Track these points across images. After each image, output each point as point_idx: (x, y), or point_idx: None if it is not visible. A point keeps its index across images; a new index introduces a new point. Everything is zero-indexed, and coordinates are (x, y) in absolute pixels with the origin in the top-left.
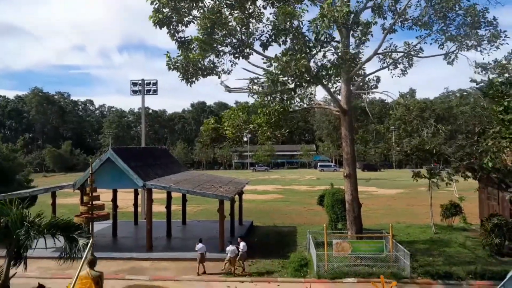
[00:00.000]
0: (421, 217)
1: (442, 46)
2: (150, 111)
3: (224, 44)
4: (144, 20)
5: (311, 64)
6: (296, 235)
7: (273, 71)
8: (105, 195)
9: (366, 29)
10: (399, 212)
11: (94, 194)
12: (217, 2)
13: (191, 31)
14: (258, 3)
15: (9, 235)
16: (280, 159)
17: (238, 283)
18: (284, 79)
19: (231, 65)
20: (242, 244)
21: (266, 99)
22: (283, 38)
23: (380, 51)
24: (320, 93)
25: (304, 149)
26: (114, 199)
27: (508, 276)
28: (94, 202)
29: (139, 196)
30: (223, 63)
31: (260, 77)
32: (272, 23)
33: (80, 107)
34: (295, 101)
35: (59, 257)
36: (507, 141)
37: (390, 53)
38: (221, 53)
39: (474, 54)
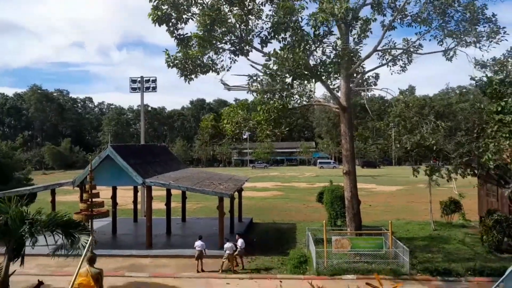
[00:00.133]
0: (421, 214)
1: (441, 43)
2: (149, 108)
3: (224, 41)
4: (143, 18)
5: (310, 61)
6: (296, 232)
7: (271, 65)
8: (104, 193)
9: (366, 25)
10: (399, 209)
11: (93, 191)
12: None
13: (190, 27)
14: (257, 0)
15: (8, 233)
16: (279, 156)
17: (237, 280)
18: (281, 73)
19: (230, 62)
20: (240, 241)
21: (265, 96)
22: (282, 34)
23: (379, 48)
24: (319, 90)
25: (303, 146)
26: (114, 197)
27: (507, 272)
28: (93, 200)
29: (139, 194)
30: (222, 60)
31: (259, 74)
32: (271, 19)
33: (79, 104)
34: (295, 98)
35: (53, 253)
36: (506, 140)
37: (389, 50)
38: (220, 50)
39: (473, 50)
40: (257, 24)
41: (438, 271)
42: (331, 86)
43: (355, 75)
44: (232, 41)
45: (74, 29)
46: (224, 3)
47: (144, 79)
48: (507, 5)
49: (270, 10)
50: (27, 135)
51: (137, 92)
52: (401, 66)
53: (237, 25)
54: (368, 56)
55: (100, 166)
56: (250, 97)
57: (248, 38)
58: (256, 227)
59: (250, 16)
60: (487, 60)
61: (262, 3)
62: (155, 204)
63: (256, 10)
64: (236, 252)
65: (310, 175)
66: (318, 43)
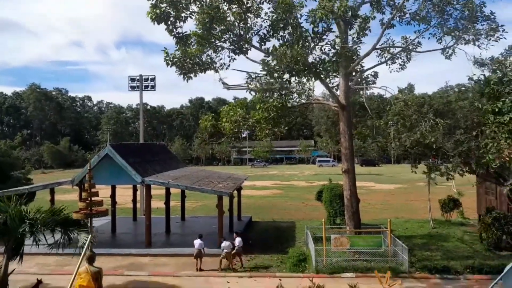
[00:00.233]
0: (420, 212)
1: (440, 41)
2: (148, 107)
3: (222, 40)
4: (141, 16)
5: (309, 59)
6: (295, 230)
7: (270, 61)
8: (103, 191)
9: (365, 24)
10: (398, 207)
11: (92, 190)
12: None
13: (189, 25)
14: None
15: (8, 232)
16: (278, 154)
17: (237, 278)
18: (280, 68)
19: (229, 60)
20: (237, 240)
21: (264, 95)
22: (281, 32)
23: (378, 46)
24: (318, 89)
25: (302, 145)
26: (113, 195)
27: (505, 270)
28: (92, 198)
29: (138, 192)
30: (221, 58)
31: (258, 73)
32: (270, 17)
33: (78, 103)
34: (293, 96)
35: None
36: (505, 140)
37: (388, 48)
38: (219, 48)
39: (472, 49)
40: (256, 22)
41: (437, 269)
42: (330, 85)
43: (354, 73)
44: (231, 40)
45: (73, 28)
46: (222, 1)
47: (143, 77)
48: (506, 3)
49: (269, 8)
50: (26, 134)
51: (136, 90)
52: (400, 64)
53: (236, 23)
54: (367, 54)
55: (99, 165)
56: (249, 96)
57: (247, 36)
58: (255, 226)
59: (249, 14)
60: (485, 58)
61: (261, 1)
62: (154, 203)
63: (255, 8)
64: (234, 251)
65: (309, 174)
66: (317, 41)
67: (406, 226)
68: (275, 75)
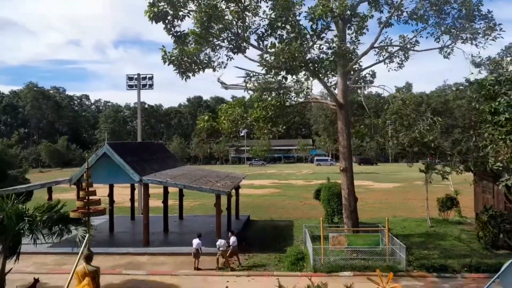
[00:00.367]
0: (417, 211)
1: (438, 40)
2: (146, 105)
3: (220, 38)
4: (140, 15)
5: (307, 57)
6: (293, 229)
7: (268, 58)
8: (101, 190)
9: (362, 22)
10: (395, 206)
11: (90, 189)
12: None
13: (187, 24)
14: None
15: (5, 231)
16: (276, 153)
17: (235, 277)
18: (277, 64)
19: (227, 59)
20: (232, 239)
21: (262, 94)
22: (279, 31)
23: (376, 44)
24: (316, 88)
25: (300, 144)
26: (111, 194)
27: (502, 268)
28: (90, 197)
29: (136, 191)
30: (219, 57)
31: (257, 72)
32: (269, 15)
33: (75, 102)
34: (291, 95)
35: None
36: (503, 141)
37: (386, 47)
38: (217, 47)
39: (470, 48)
40: (254, 21)
41: (434, 267)
42: (328, 84)
43: (352, 72)
44: (229, 38)
45: (71, 26)
46: (220, 0)
47: (141, 76)
48: (505, 2)
49: (267, 7)
50: (23, 132)
51: (134, 89)
52: (398, 63)
53: (234, 22)
54: (365, 53)
55: (97, 164)
56: (248, 96)
57: (245, 35)
58: (253, 225)
59: (247, 13)
60: (482, 59)
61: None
62: (152, 202)
63: (253, 6)
64: (229, 250)
65: (307, 173)
66: (316, 39)
67: (404, 224)
68: (273, 72)
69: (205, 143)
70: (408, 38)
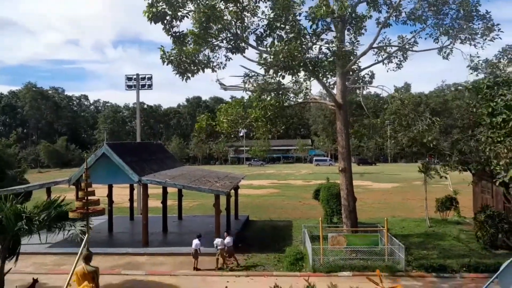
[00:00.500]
0: (416, 211)
1: (436, 41)
2: (145, 106)
3: (219, 38)
4: (139, 15)
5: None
6: (292, 229)
7: (268, 57)
8: (100, 191)
9: (361, 23)
10: (394, 206)
11: (89, 189)
12: None
13: (186, 24)
14: None
15: (4, 231)
16: (275, 153)
17: (234, 278)
18: (276, 62)
19: (226, 60)
20: (227, 239)
21: (262, 94)
22: (278, 31)
23: (375, 45)
24: (315, 88)
25: (299, 144)
26: (110, 195)
27: (501, 268)
28: (89, 197)
29: (135, 192)
30: (218, 58)
31: (256, 72)
32: (268, 15)
33: (74, 102)
34: (290, 96)
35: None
36: (502, 144)
37: (385, 47)
38: (216, 48)
39: (468, 48)
40: (253, 21)
41: (433, 267)
42: (327, 84)
43: (350, 72)
44: (228, 38)
45: (71, 26)
46: (219, 0)
47: (140, 76)
48: (504, 2)
49: (266, 7)
50: (21, 132)
51: (133, 89)
52: (396, 64)
53: (233, 22)
54: (363, 53)
55: (96, 164)
56: (246, 97)
57: (244, 35)
58: (252, 225)
59: (245, 13)
60: (480, 62)
61: (257, 0)
62: (151, 202)
63: (251, 7)
64: (226, 250)
65: (306, 173)
66: (316, 39)
67: (403, 225)
68: (271, 71)
69: (204, 144)
70: (407, 38)
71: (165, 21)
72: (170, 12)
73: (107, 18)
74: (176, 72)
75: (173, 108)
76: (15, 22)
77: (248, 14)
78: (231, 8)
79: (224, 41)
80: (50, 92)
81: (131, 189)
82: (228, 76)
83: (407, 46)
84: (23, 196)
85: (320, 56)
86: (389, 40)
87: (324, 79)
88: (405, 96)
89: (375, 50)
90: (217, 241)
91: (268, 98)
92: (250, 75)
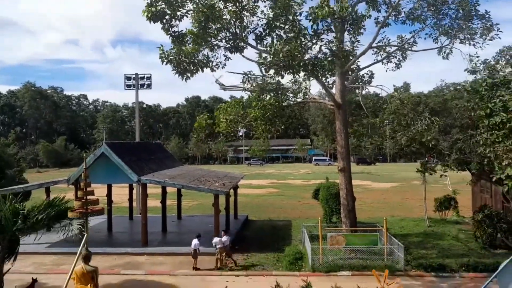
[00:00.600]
0: (415, 210)
1: (436, 41)
2: (145, 105)
3: (218, 38)
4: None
5: (306, 56)
6: (291, 228)
7: (267, 56)
8: (99, 190)
9: (360, 22)
10: (394, 205)
11: (88, 189)
12: None
13: (186, 24)
14: None
15: (2, 231)
16: (275, 153)
17: (233, 277)
18: (276, 61)
19: (225, 59)
20: (224, 238)
21: (261, 94)
22: (278, 31)
23: (374, 44)
24: (314, 88)
25: (299, 144)
26: (109, 194)
27: (500, 268)
28: (88, 197)
29: (134, 191)
30: (217, 57)
31: (255, 73)
32: (267, 15)
33: (73, 101)
34: (290, 96)
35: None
36: (500, 144)
37: (384, 47)
38: (215, 47)
39: (468, 48)
40: (252, 21)
41: (432, 267)
42: (326, 83)
43: (350, 72)
44: (227, 38)
45: (70, 26)
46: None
47: (139, 76)
48: (504, 2)
49: (265, 7)
50: (20, 131)
51: (132, 89)
52: (395, 63)
53: (232, 22)
54: (363, 53)
55: (95, 163)
56: (246, 96)
57: (243, 34)
58: (251, 224)
59: (244, 13)
60: (478, 65)
61: None
62: (150, 202)
63: (251, 6)
64: (223, 249)
65: (305, 172)
66: (316, 39)
67: (402, 224)
68: (271, 71)
69: (203, 143)
70: (406, 38)
71: (164, 21)
72: (169, 12)
73: (106, 18)
74: (175, 71)
75: (172, 107)
76: (15, 22)
77: (248, 14)
78: (230, 8)
79: (223, 41)
80: (49, 91)
81: (130, 188)
82: (225, 72)
83: (406, 46)
84: (22, 196)
85: (319, 56)
86: (388, 39)
87: (324, 78)
88: (404, 96)
89: (374, 49)
90: (216, 240)
91: (267, 98)
92: (250, 75)
